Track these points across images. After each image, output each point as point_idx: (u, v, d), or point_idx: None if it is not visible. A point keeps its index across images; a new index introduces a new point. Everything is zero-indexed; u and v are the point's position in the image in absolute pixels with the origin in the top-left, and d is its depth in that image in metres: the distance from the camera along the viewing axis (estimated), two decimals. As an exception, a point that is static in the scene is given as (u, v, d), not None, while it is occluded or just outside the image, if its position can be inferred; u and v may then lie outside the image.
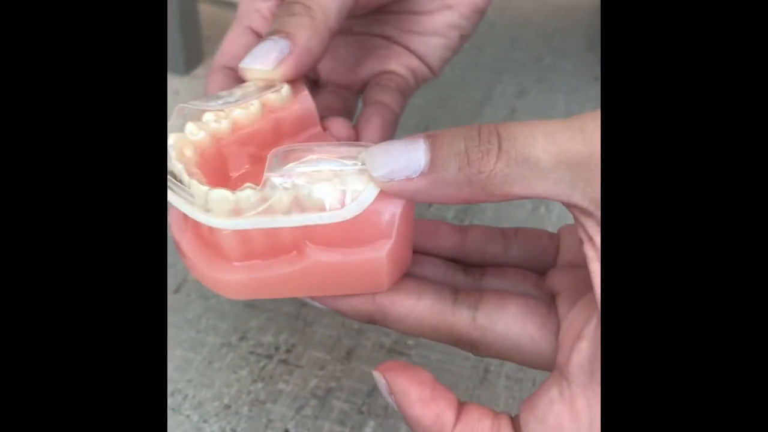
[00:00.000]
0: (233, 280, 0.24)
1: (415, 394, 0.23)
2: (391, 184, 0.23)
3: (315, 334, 0.38)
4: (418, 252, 0.27)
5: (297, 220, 0.23)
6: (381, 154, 0.23)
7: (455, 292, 0.25)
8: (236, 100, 0.26)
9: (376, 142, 0.30)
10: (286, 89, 0.27)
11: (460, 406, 0.24)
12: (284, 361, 0.36)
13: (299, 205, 0.23)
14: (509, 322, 0.24)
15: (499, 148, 0.22)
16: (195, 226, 0.24)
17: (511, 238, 0.28)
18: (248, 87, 0.27)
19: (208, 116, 0.25)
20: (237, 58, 0.28)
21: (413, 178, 0.22)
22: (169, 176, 0.24)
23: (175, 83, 0.57)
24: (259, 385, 0.35)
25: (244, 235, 0.23)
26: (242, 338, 0.37)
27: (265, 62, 0.27)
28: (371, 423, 0.34)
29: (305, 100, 0.27)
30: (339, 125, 0.29)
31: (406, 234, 0.24)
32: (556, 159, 0.21)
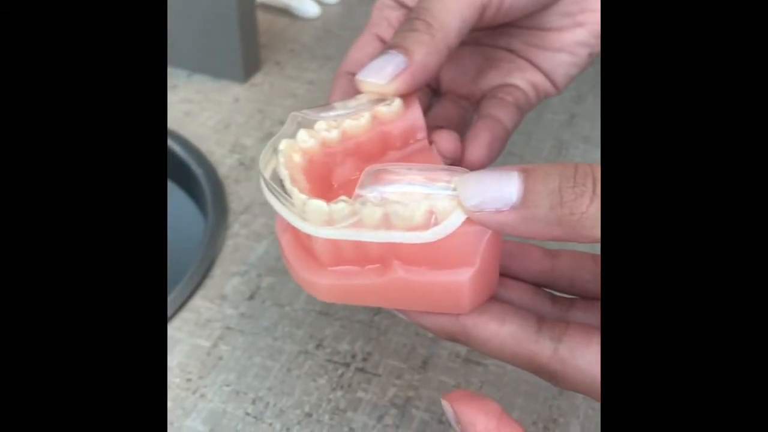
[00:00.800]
0: (325, 284, 0.25)
1: (482, 425, 0.23)
2: (481, 214, 0.23)
3: (390, 342, 0.38)
4: (505, 275, 0.27)
5: (383, 236, 0.23)
6: (474, 184, 0.23)
7: (540, 321, 0.25)
8: (348, 112, 0.26)
9: (482, 158, 0.30)
10: (397, 103, 0.27)
11: None
12: (361, 370, 0.37)
13: (387, 221, 0.23)
14: (591, 359, 0.24)
15: (593, 191, 0.22)
16: (294, 229, 0.25)
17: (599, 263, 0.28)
18: (362, 99, 0.28)
19: (320, 125, 0.26)
20: (361, 65, 0.28)
21: (503, 211, 0.22)
22: (272, 182, 0.25)
23: (234, 90, 0.57)
24: (339, 393, 0.35)
25: (335, 243, 0.24)
26: (318, 346, 0.38)
27: (379, 76, 0.27)
28: (452, 433, 0.34)
29: (415, 114, 0.28)
30: (446, 139, 0.29)
31: (492, 260, 0.24)
32: None
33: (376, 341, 0.38)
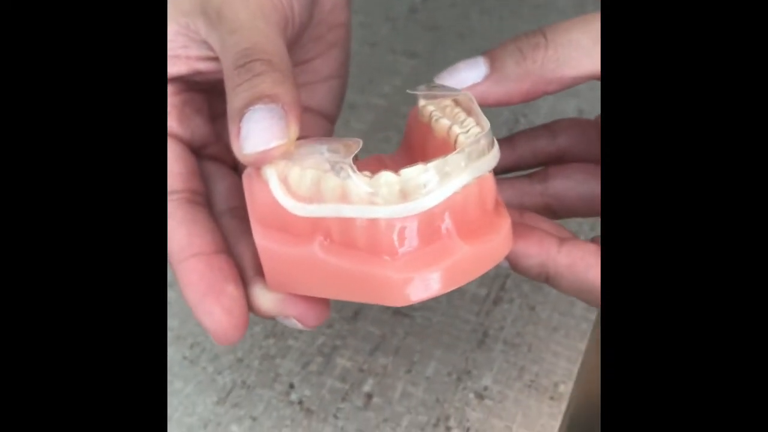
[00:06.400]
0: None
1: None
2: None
3: (327, 293, 0.40)
4: None
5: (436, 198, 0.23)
6: (448, 73, 0.27)
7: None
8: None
9: None
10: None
11: (560, 237, 0.27)
12: (296, 319, 0.39)
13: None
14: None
15: (546, 38, 0.26)
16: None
17: (554, 129, 0.33)
18: (304, 155, 0.24)
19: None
20: (177, 177, 0.27)
21: (478, 83, 0.27)
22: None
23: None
24: (271, 341, 0.38)
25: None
26: (259, 295, 0.40)
27: (276, 136, 0.23)
28: (370, 381, 0.36)
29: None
30: None
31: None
32: (594, 39, 0.26)
33: (314, 292, 0.40)
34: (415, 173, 0.22)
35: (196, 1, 0.27)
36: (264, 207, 0.24)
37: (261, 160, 0.24)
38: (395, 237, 0.23)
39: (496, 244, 0.24)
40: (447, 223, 0.23)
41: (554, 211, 0.32)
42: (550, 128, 0.33)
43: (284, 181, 0.24)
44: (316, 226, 0.24)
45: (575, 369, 0.36)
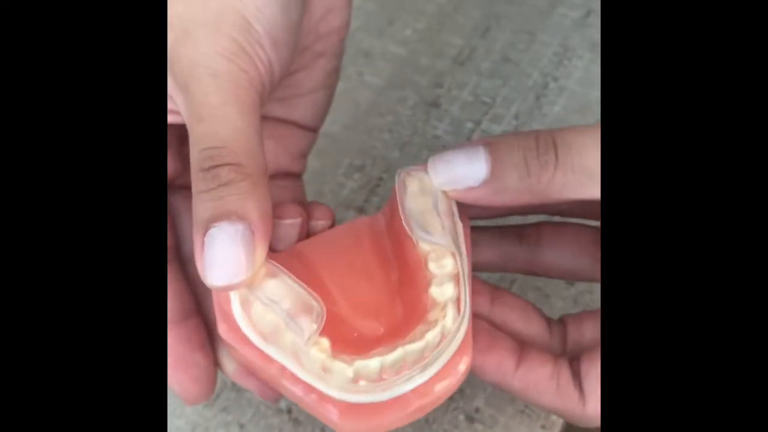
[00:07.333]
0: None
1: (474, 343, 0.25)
2: (455, 192, 0.25)
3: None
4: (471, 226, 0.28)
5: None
6: (443, 165, 0.25)
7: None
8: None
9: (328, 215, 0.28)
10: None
11: (521, 351, 0.26)
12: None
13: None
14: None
15: (557, 158, 0.24)
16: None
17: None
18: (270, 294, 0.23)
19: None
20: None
21: (476, 187, 0.24)
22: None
23: None
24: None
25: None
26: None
27: (241, 266, 0.21)
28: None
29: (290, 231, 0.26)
30: (320, 212, 0.28)
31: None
32: None
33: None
34: (371, 369, 0.21)
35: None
36: (228, 316, 0.24)
37: (225, 290, 0.23)
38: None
39: (454, 380, 0.23)
40: None
41: (537, 275, 0.31)
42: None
43: (246, 308, 0.23)
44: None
45: (571, 397, 0.36)
